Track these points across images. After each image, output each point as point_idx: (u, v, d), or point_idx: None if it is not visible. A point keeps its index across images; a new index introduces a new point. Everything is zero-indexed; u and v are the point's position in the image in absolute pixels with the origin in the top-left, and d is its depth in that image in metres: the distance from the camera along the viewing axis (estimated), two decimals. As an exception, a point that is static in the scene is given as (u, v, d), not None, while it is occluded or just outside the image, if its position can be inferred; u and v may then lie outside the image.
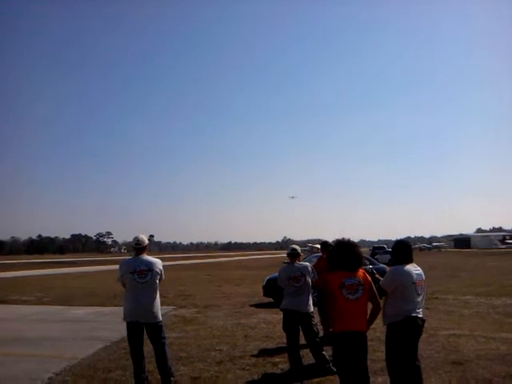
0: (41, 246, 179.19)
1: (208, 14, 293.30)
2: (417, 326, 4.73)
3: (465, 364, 6.66)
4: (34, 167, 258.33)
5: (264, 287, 14.64)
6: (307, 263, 6.93)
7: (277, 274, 16.08)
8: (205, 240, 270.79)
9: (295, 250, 6.79)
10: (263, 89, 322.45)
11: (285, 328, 6.64)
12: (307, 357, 6.85)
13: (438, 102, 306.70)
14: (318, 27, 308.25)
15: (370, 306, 4.70)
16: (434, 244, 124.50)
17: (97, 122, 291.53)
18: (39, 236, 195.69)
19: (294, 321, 6.49)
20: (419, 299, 4.79)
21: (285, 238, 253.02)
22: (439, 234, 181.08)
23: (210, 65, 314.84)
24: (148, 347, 6.05)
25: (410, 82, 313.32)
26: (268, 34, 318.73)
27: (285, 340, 8.54)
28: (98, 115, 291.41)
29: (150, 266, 5.91)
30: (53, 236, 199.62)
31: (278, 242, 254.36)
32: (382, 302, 4.79)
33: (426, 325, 4.93)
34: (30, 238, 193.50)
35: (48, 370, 6.69)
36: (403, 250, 4.96)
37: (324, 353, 6.51)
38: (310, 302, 6.59)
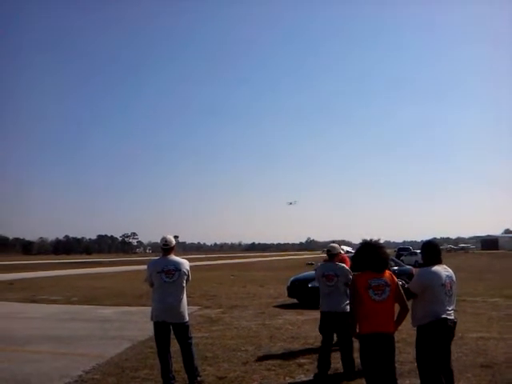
0: (68, 247, 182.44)
1: (208, 13, 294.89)
2: (447, 328, 4.64)
3: (494, 367, 6.54)
4: (61, 169, 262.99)
5: (288, 288, 14.66)
6: (344, 265, 6.84)
7: (301, 274, 16.16)
8: (229, 241, 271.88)
9: (330, 250, 6.71)
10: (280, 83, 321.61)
11: (321, 330, 6.57)
12: (335, 358, 6.79)
13: (470, 96, 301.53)
14: (314, 24, 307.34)
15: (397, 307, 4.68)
16: (461, 245, 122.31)
17: (118, 124, 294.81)
18: (66, 237, 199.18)
19: (332, 322, 6.41)
20: (449, 300, 4.70)
21: (308, 238, 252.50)
22: (466, 235, 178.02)
23: (212, 63, 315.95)
24: (175, 347, 6.13)
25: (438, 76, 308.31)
26: (264, 33, 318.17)
27: (310, 341, 8.58)
28: (116, 118, 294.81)
29: (177, 266, 5.99)
30: (79, 237, 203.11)
31: (301, 242, 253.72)
32: (409, 304, 4.75)
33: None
34: (57, 238, 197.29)
35: (77, 367, 6.83)
36: (431, 250, 4.90)
37: (353, 355, 6.42)
38: (347, 302, 6.48)
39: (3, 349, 8.51)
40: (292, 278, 15.10)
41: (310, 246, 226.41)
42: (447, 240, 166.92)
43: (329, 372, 6.36)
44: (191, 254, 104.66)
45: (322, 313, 6.62)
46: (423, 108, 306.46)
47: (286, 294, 14.74)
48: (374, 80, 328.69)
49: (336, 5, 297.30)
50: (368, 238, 4.89)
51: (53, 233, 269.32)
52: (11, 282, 25.55)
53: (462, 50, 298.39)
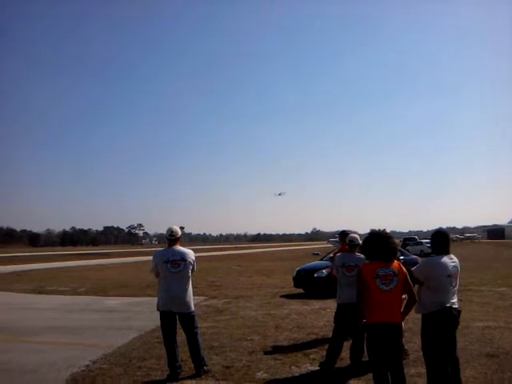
0: (74, 238, 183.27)
1: (210, 11, 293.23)
2: (452, 316, 4.67)
3: (500, 356, 6.53)
4: (67, 162, 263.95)
5: (294, 278, 14.69)
6: (363, 256, 6.78)
7: (306, 265, 16.14)
8: (234, 232, 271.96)
9: (353, 240, 6.67)
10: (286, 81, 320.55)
11: (338, 321, 6.45)
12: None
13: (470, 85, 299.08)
14: (317, 22, 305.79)
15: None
16: (467, 235, 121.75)
17: (123, 117, 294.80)
18: (73, 228, 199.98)
19: (350, 313, 6.14)
20: (453, 290, 4.74)
21: (314, 229, 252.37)
22: (472, 225, 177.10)
23: (214, 62, 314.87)
24: (181, 336, 6.16)
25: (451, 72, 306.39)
26: (264, 35, 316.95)
27: (316, 330, 8.59)
28: (118, 113, 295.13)
29: (183, 257, 6.00)
30: (86, 228, 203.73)
31: (307, 233, 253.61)
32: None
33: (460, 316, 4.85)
34: (64, 230, 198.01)
35: (85, 357, 6.88)
36: (441, 239, 4.89)
37: (364, 346, 6.37)
38: None
39: (11, 339, 8.60)
40: (298, 268, 15.13)
41: (315, 236, 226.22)
42: (453, 230, 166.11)
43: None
44: (197, 245, 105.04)
45: (340, 304, 6.48)
46: (427, 105, 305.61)
47: (292, 284, 14.78)
48: (376, 81, 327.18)
49: (337, 5, 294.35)
50: (376, 228, 4.89)
51: (59, 225, 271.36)
52: (19, 274, 25.79)
53: (462, 51, 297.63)
